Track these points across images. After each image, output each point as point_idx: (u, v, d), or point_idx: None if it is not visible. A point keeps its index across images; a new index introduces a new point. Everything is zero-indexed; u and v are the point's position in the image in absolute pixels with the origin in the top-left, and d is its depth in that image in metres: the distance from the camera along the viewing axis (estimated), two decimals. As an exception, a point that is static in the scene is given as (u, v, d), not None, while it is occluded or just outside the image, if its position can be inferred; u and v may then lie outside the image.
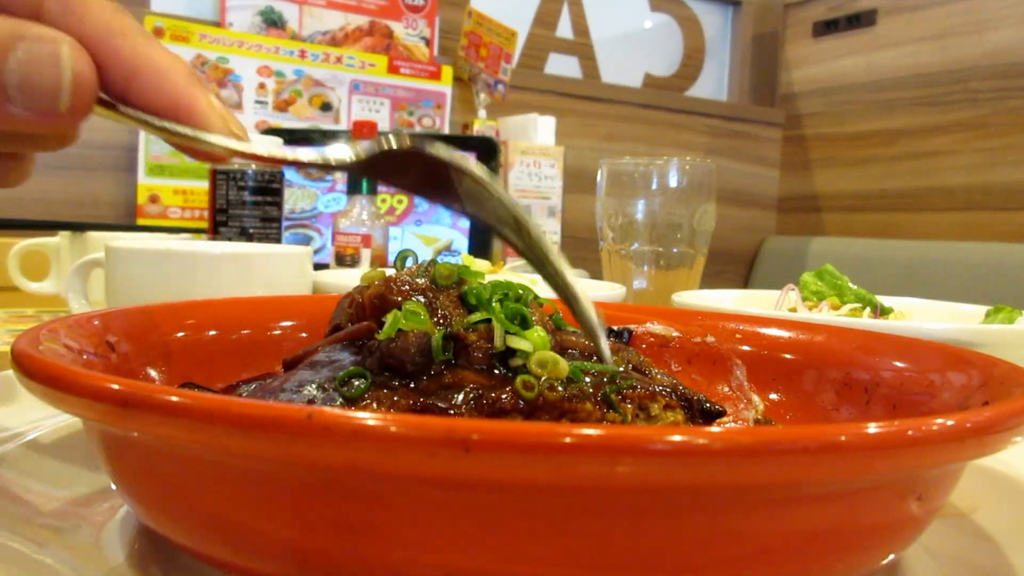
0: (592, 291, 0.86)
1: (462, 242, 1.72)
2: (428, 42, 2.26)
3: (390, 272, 0.40)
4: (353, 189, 1.19)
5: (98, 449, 0.29)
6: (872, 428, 0.21)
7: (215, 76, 1.94)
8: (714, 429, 0.21)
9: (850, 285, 0.84)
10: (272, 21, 2.08)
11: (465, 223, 1.72)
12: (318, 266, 0.89)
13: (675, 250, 1.00)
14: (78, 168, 1.86)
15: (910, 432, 0.22)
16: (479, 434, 0.20)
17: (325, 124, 2.07)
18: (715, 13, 2.94)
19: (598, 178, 1.05)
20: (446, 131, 2.21)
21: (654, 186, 0.99)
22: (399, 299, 0.37)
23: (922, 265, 2.28)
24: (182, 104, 0.34)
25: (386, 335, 0.34)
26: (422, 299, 0.37)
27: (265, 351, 0.47)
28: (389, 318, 0.35)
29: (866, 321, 0.73)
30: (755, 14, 2.95)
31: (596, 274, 1.15)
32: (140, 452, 0.27)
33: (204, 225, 1.08)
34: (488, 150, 1.74)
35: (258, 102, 2.00)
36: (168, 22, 1.89)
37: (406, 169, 0.35)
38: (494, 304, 0.37)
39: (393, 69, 2.15)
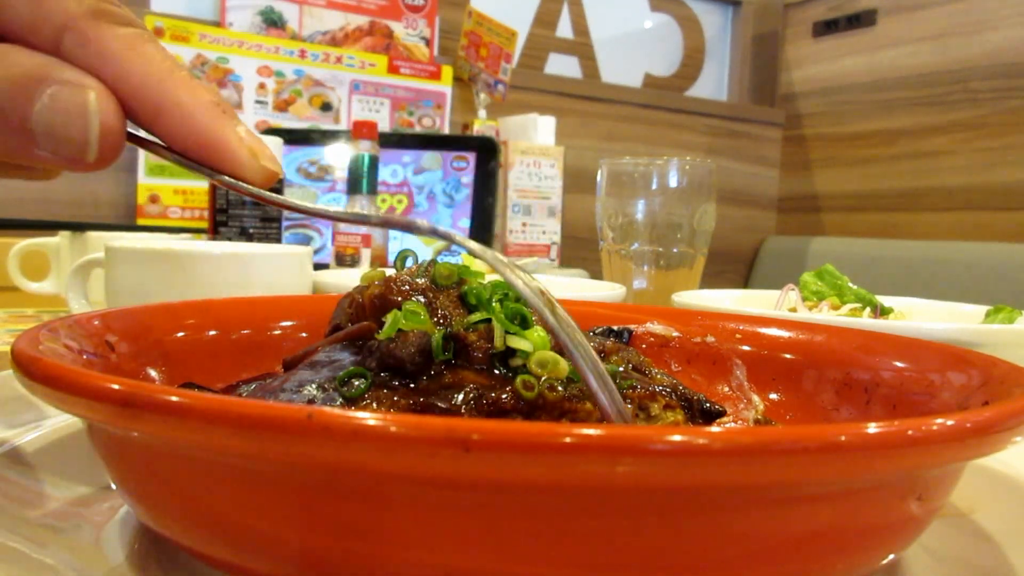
0: (592, 291, 0.86)
1: (462, 242, 1.72)
2: (428, 42, 2.26)
3: (390, 272, 0.40)
4: (353, 189, 1.19)
5: (98, 449, 0.30)
6: (872, 428, 0.21)
7: (215, 76, 1.94)
8: (714, 429, 0.21)
9: (850, 285, 0.84)
10: (272, 21, 2.08)
11: (465, 223, 1.72)
12: (318, 266, 0.89)
13: (675, 250, 1.00)
14: (78, 168, 1.86)
15: (910, 432, 0.22)
16: (479, 434, 0.20)
17: (325, 124, 2.07)
18: (715, 13, 2.94)
19: (598, 178, 1.05)
20: (446, 131, 2.21)
21: (654, 186, 0.99)
22: (399, 299, 0.37)
23: (922, 265, 2.28)
24: (209, 143, 0.33)
25: (386, 335, 0.34)
26: (422, 299, 0.37)
27: (265, 351, 0.47)
28: (389, 318, 0.35)
29: (866, 321, 0.73)
30: (755, 14, 2.96)
31: (596, 274, 1.15)
32: (140, 452, 0.27)
33: (204, 225, 1.08)
34: (488, 150, 1.74)
35: (258, 102, 2.00)
36: (168, 22, 1.89)
37: None
38: (494, 304, 0.37)
39: (393, 69, 2.15)
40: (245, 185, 0.34)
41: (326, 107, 2.08)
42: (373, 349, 0.34)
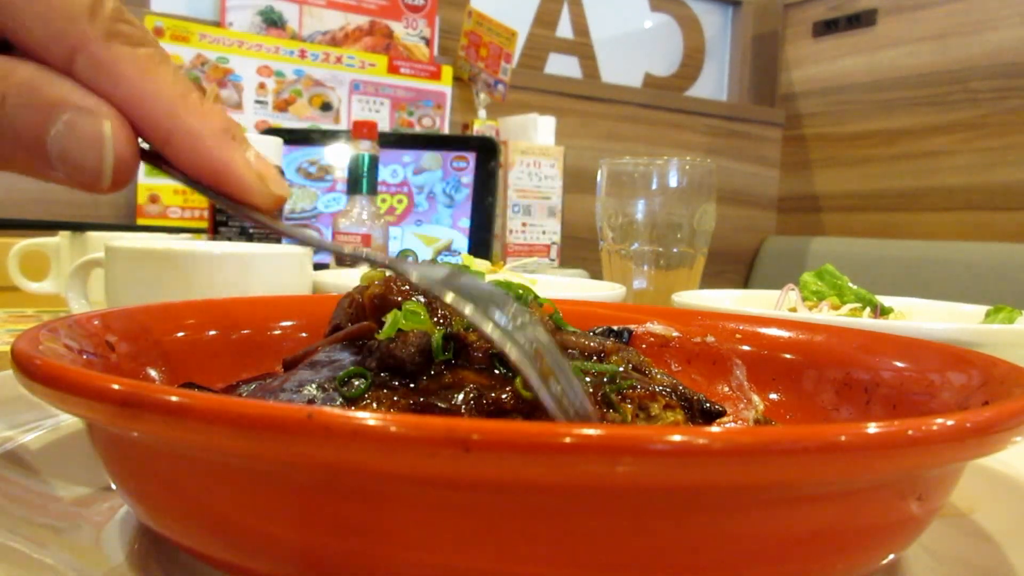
0: (592, 291, 0.86)
1: (462, 242, 1.72)
2: (428, 42, 2.26)
3: (390, 272, 0.40)
4: (353, 189, 1.19)
5: (98, 449, 0.30)
6: (872, 428, 0.21)
7: (215, 76, 1.94)
8: (714, 429, 0.21)
9: (850, 285, 0.84)
10: (272, 21, 2.08)
11: (465, 223, 1.72)
12: (318, 266, 0.89)
13: (675, 250, 1.00)
14: (78, 168, 1.86)
15: (910, 432, 0.22)
16: (479, 434, 0.20)
17: (325, 124, 2.07)
18: (715, 13, 2.94)
19: (598, 178, 1.05)
20: (446, 131, 2.21)
21: (654, 186, 0.99)
22: (399, 299, 0.37)
23: (922, 265, 2.28)
24: (218, 169, 0.33)
25: (386, 335, 0.34)
26: (422, 299, 0.37)
27: (265, 351, 0.47)
28: (389, 318, 0.35)
29: (866, 321, 0.73)
30: (755, 14, 2.95)
31: (596, 274, 1.15)
32: (140, 452, 0.27)
33: (204, 225, 1.08)
34: (488, 150, 1.74)
35: (258, 102, 2.00)
36: (168, 22, 1.89)
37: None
38: (494, 304, 0.37)
39: (393, 69, 2.15)
40: (251, 212, 0.35)
41: (326, 107, 2.08)
42: (373, 349, 0.34)
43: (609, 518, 0.22)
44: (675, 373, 0.48)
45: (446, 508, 0.22)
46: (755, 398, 0.46)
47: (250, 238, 1.00)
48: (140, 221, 1.86)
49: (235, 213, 0.35)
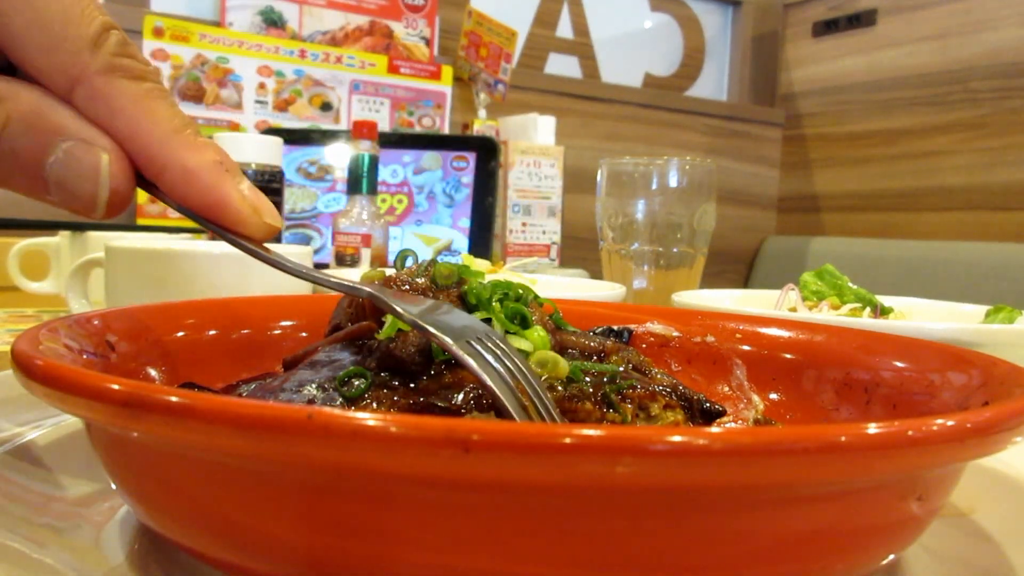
0: (592, 291, 0.86)
1: (462, 242, 1.72)
2: (428, 42, 2.26)
3: (390, 272, 0.40)
4: (353, 189, 1.19)
5: (98, 449, 0.30)
6: (872, 428, 0.21)
7: (215, 76, 1.94)
8: (714, 429, 0.21)
9: (850, 285, 0.84)
10: (272, 21, 2.08)
11: (465, 223, 1.72)
12: (318, 266, 0.89)
13: (675, 250, 1.00)
14: (78, 168, 1.86)
15: (910, 432, 0.22)
16: (479, 434, 0.20)
17: (325, 124, 2.07)
18: (715, 13, 2.94)
19: (598, 178, 1.05)
20: (446, 131, 2.21)
21: (654, 186, 0.99)
22: (399, 299, 0.37)
23: (922, 265, 2.28)
24: (212, 202, 0.34)
25: (386, 335, 0.34)
26: (422, 299, 0.37)
27: (265, 351, 0.47)
28: (389, 318, 0.35)
29: (866, 321, 0.73)
30: (755, 14, 2.95)
31: (596, 274, 1.15)
32: (140, 452, 0.27)
33: (204, 225, 1.07)
34: (488, 150, 1.74)
35: (258, 102, 2.00)
36: (168, 22, 1.89)
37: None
38: (494, 304, 0.37)
39: (393, 69, 2.15)
40: (244, 242, 0.35)
41: (326, 107, 2.08)
42: (373, 349, 0.34)
43: (609, 518, 0.22)
44: (675, 373, 0.48)
45: (446, 508, 0.22)
46: (755, 398, 0.46)
47: (250, 238, 1.00)
48: (140, 221, 1.86)
49: (228, 242, 0.35)
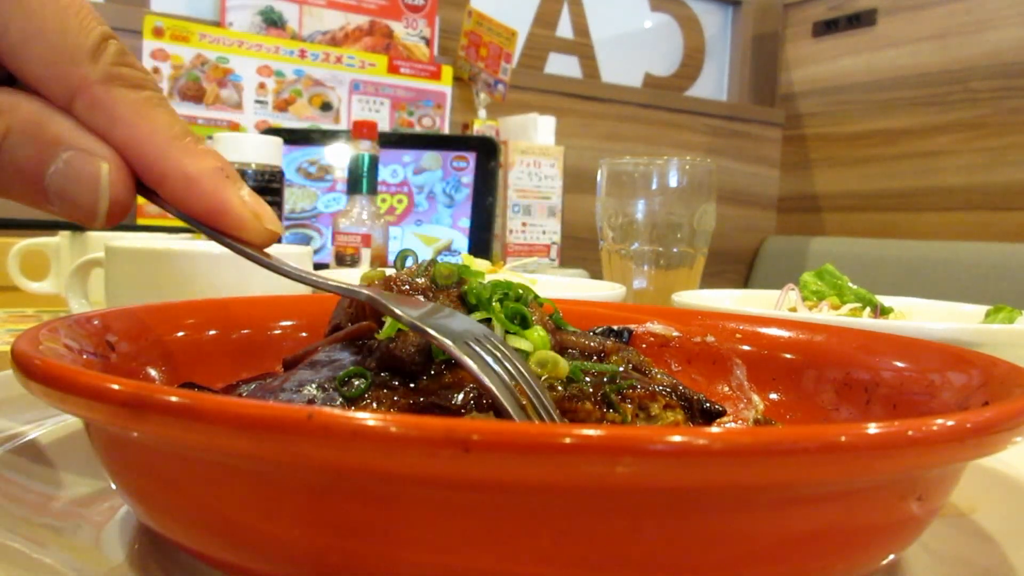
0: (592, 291, 0.86)
1: (462, 242, 1.72)
2: (428, 42, 2.26)
3: (390, 272, 0.40)
4: (353, 189, 1.19)
5: (98, 449, 0.29)
6: (872, 428, 0.21)
7: (215, 76, 1.94)
8: (714, 429, 0.21)
9: (850, 285, 0.84)
10: (272, 21, 2.08)
11: (465, 223, 1.72)
12: (318, 266, 0.89)
13: (675, 250, 1.00)
14: (78, 168, 1.86)
15: (910, 432, 0.22)
16: (479, 434, 0.20)
17: (325, 124, 2.07)
18: (715, 13, 2.94)
19: (598, 178, 1.05)
20: (446, 131, 2.21)
21: (654, 186, 0.99)
22: (399, 299, 0.37)
23: (922, 265, 2.28)
24: (213, 209, 0.34)
25: (386, 335, 0.34)
26: (422, 299, 0.37)
27: (265, 351, 0.47)
28: (389, 318, 0.35)
29: (866, 321, 0.73)
30: (755, 14, 2.95)
31: (596, 274, 1.16)
32: (140, 452, 0.27)
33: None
34: (488, 150, 1.74)
35: (258, 102, 2.00)
36: (168, 22, 1.89)
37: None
38: (494, 304, 0.37)
39: (393, 69, 2.15)
40: (244, 247, 0.35)
41: (326, 107, 2.08)
42: (373, 349, 0.34)
43: (609, 518, 0.22)
44: (675, 373, 0.48)
45: (446, 508, 0.22)
46: (755, 398, 0.46)
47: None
48: (140, 221, 1.86)
49: (229, 248, 0.35)
